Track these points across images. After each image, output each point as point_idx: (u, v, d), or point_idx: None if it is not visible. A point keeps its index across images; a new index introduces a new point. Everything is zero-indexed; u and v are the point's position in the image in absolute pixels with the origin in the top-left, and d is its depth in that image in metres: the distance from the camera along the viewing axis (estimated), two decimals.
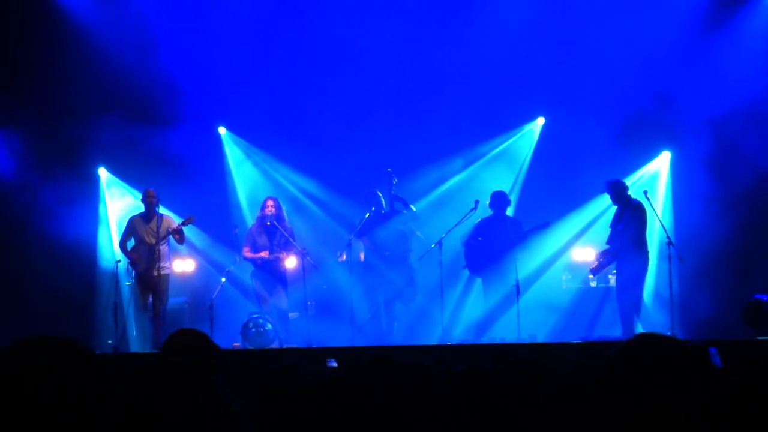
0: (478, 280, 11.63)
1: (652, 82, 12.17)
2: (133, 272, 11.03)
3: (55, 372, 1.88)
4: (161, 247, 10.86)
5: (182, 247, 11.48)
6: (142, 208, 11.26)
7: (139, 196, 12.22)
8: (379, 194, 11.45)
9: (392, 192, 11.45)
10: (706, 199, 11.93)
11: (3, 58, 11.83)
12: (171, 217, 11.10)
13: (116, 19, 11.86)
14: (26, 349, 1.92)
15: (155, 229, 10.83)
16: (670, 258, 10.48)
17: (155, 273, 10.83)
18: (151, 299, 10.90)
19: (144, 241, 10.90)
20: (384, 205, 11.46)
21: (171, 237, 10.95)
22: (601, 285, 11.86)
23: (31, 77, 11.83)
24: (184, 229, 10.95)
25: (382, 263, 11.25)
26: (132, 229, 11.08)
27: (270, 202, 11.31)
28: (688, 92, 12.07)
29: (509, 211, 11.67)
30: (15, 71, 11.85)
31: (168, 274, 11.03)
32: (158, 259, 10.81)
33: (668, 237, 10.60)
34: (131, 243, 11.07)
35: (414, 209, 11.50)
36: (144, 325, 10.94)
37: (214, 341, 3.76)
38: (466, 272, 11.71)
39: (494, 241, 11.25)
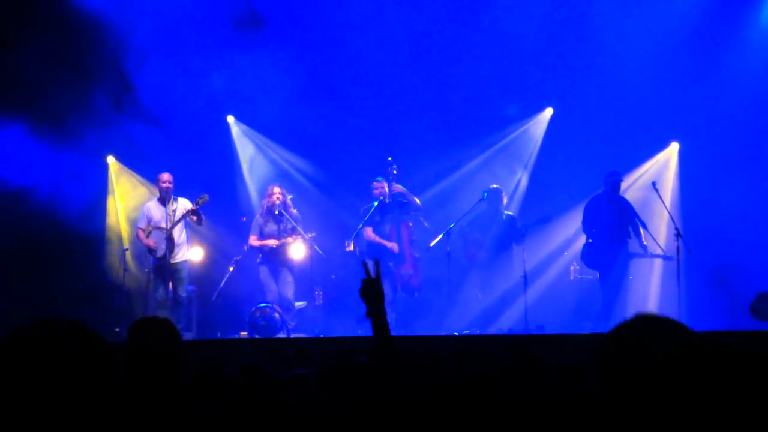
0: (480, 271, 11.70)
1: (660, 72, 12.12)
2: (151, 259, 10.83)
3: (65, 360, 1.83)
4: (179, 232, 10.74)
5: (192, 235, 11.28)
6: (151, 196, 11.24)
7: (147, 184, 12.23)
8: (384, 185, 11.39)
9: (392, 181, 11.37)
10: (715, 190, 11.91)
11: (10, 48, 11.82)
12: (186, 200, 10.83)
13: (126, 5, 11.81)
14: (32, 336, 1.88)
15: (171, 214, 10.68)
16: (678, 249, 10.49)
17: (174, 259, 10.71)
18: (171, 286, 10.75)
19: (161, 226, 10.70)
20: (387, 195, 11.40)
21: (188, 222, 10.81)
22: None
23: (38, 64, 11.79)
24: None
25: (385, 253, 11.23)
26: (148, 215, 10.90)
27: (277, 190, 11.26)
28: (696, 82, 12.04)
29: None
30: (22, 59, 11.83)
31: (186, 260, 10.91)
32: (176, 245, 10.70)
33: (676, 228, 10.61)
34: (148, 230, 10.95)
35: (417, 201, 11.46)
36: (159, 312, 10.83)
37: (181, 330, 3.74)
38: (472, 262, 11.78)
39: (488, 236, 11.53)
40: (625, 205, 11.10)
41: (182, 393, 3.46)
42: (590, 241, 11.05)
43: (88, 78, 11.80)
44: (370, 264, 3.53)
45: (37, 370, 1.79)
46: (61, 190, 11.65)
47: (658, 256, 11.19)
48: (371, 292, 3.48)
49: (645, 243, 11.03)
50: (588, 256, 11.14)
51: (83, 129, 11.79)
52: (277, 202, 11.14)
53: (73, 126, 11.77)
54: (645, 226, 11.02)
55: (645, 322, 1.98)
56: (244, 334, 10.96)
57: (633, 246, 11.07)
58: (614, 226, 10.92)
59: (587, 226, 11.10)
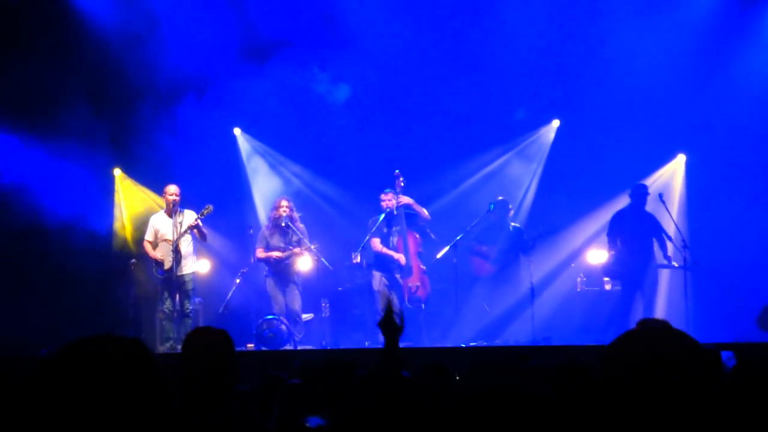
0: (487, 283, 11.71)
1: (667, 83, 12.11)
2: (159, 272, 10.84)
3: (119, 377, 1.76)
4: (185, 244, 10.73)
5: (198, 248, 11.27)
6: (157, 208, 11.26)
7: (155, 196, 12.23)
8: (392, 196, 11.37)
9: (399, 193, 11.36)
10: (721, 202, 11.90)
11: (21, 60, 11.88)
12: (193, 212, 10.78)
13: (130, 16, 11.84)
14: (83, 351, 1.83)
15: (178, 226, 10.65)
16: (685, 261, 10.50)
17: (180, 271, 10.69)
18: (178, 299, 10.72)
19: (168, 239, 10.71)
20: (395, 207, 11.38)
21: (194, 234, 10.78)
22: (616, 288, 11.82)
23: (45, 75, 11.83)
24: (203, 221, 10.76)
25: (392, 264, 11.22)
26: (155, 228, 10.91)
27: (284, 203, 11.28)
28: (703, 94, 12.03)
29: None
30: (30, 71, 11.89)
31: (193, 272, 10.90)
32: (183, 257, 10.69)
33: (683, 240, 10.62)
34: (155, 242, 10.94)
35: (425, 212, 11.44)
36: (164, 325, 10.84)
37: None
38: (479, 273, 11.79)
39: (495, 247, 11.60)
40: (651, 219, 11.16)
41: (237, 403, 3.47)
42: (612, 253, 11.07)
43: (100, 92, 11.87)
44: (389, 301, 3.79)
45: (97, 385, 1.74)
46: (67, 202, 11.67)
47: (681, 267, 11.15)
48: (390, 326, 3.71)
49: (669, 255, 11.09)
50: (611, 267, 11.20)
51: (90, 143, 11.83)
52: (284, 215, 11.16)
53: (81, 139, 11.81)
54: (671, 240, 11.06)
55: (646, 331, 2.01)
56: (251, 346, 10.95)
57: (658, 258, 11.14)
58: (638, 239, 10.97)
59: (611, 238, 11.14)
